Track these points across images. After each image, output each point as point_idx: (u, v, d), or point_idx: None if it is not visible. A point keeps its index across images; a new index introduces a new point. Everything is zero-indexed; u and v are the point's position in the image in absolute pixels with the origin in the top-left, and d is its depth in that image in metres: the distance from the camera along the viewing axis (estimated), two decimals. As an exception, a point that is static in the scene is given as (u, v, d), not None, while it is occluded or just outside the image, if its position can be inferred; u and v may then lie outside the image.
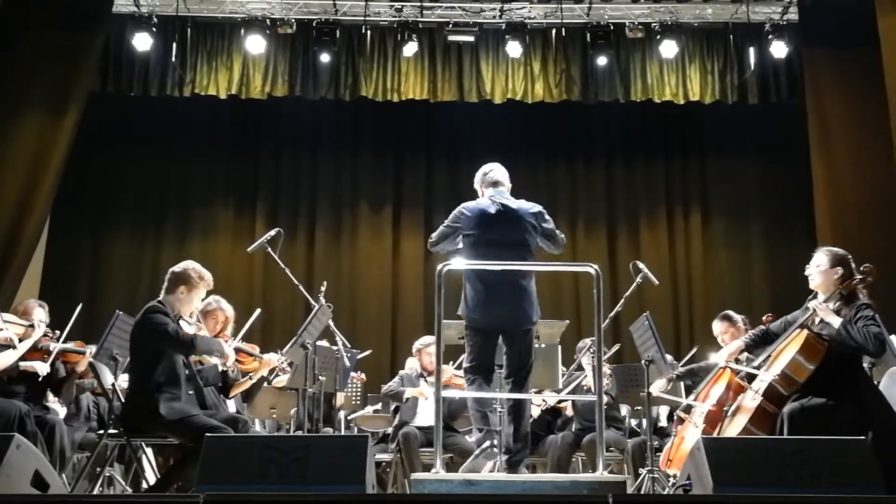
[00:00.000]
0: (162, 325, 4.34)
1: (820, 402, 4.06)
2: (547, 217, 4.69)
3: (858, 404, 4.04)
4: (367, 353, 6.75)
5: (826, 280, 4.33)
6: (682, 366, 6.15)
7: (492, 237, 4.55)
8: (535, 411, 6.28)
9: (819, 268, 4.36)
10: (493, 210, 4.60)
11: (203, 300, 4.87)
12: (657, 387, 5.57)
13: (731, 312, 5.60)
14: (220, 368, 4.89)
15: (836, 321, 4.16)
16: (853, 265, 4.35)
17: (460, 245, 4.64)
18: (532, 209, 4.66)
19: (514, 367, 4.55)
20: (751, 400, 4.31)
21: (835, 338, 4.14)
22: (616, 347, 6.42)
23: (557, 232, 4.72)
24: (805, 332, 4.23)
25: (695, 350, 6.86)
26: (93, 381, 5.82)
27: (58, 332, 5.39)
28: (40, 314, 5.39)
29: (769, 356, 4.38)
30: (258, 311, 5.56)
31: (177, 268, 4.62)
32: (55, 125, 7.83)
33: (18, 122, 7.80)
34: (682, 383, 5.99)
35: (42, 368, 5.15)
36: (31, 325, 5.14)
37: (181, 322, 4.51)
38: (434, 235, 4.70)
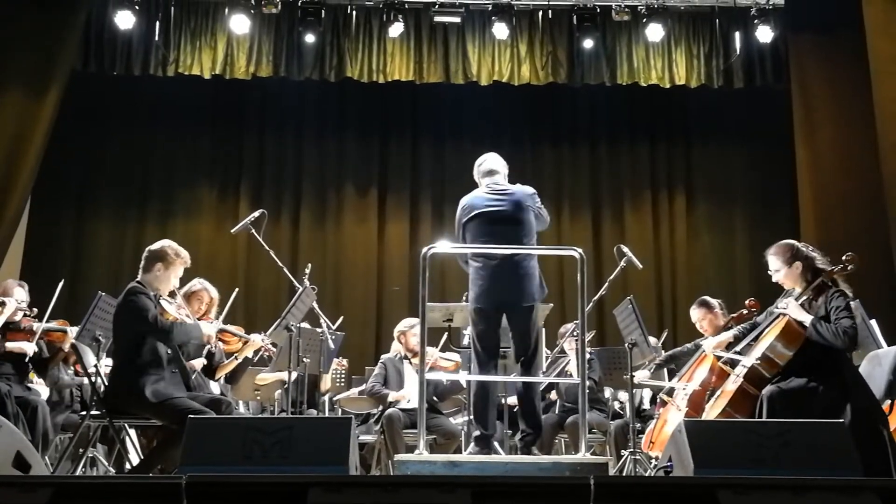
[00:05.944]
0: (143, 311, 4.32)
1: (799, 384, 4.11)
2: (537, 198, 4.83)
3: (837, 385, 4.08)
4: (341, 320, 6.70)
5: (794, 277, 4.36)
6: (660, 352, 6.18)
7: (492, 220, 4.64)
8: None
9: (781, 272, 4.37)
10: (487, 198, 4.70)
11: (188, 283, 4.85)
12: (640, 375, 5.60)
13: (707, 298, 5.58)
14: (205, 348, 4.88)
15: (807, 318, 4.19)
16: (803, 248, 4.37)
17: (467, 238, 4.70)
18: (527, 191, 4.79)
19: (519, 348, 4.60)
20: (732, 383, 4.36)
21: (807, 335, 4.17)
22: (593, 333, 6.41)
23: (543, 211, 4.85)
24: (786, 318, 4.27)
25: (665, 334, 6.90)
26: (81, 379, 5.79)
27: (36, 310, 5.36)
28: (20, 294, 5.35)
29: (752, 342, 4.43)
30: (237, 290, 5.57)
31: (153, 246, 4.61)
32: (36, 104, 7.71)
33: (-1, 100, 7.71)
34: (665, 368, 6.03)
35: (30, 348, 5.12)
36: (2, 304, 5.10)
37: (162, 301, 4.48)
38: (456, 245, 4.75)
